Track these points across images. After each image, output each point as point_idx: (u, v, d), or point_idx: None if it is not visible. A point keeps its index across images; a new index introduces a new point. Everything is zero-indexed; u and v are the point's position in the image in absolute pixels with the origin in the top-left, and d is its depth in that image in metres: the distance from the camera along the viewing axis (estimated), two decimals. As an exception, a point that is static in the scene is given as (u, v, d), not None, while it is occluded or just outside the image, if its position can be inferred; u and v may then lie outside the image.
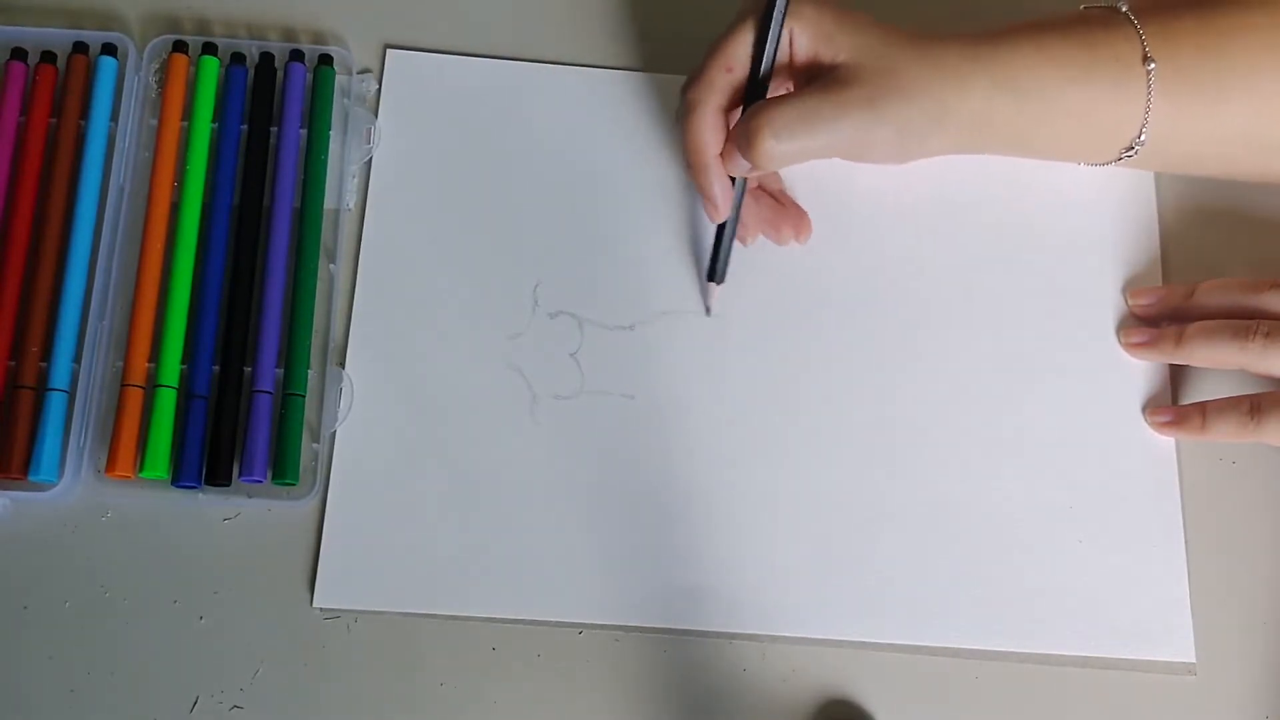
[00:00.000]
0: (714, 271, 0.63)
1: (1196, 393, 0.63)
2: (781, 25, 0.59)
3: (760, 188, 0.65)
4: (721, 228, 0.62)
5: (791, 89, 0.62)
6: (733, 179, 0.61)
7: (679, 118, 0.61)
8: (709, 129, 0.60)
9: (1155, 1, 0.60)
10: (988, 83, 0.58)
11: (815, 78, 0.60)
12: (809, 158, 0.59)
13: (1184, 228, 0.66)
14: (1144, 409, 0.62)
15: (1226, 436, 0.59)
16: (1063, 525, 0.60)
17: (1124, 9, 0.60)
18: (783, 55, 0.60)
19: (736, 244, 0.63)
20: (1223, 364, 0.60)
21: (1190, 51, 0.58)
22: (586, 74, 0.68)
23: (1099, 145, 0.61)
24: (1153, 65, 0.58)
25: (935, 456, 0.61)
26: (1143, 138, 0.60)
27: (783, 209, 0.64)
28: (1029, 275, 0.65)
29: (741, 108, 0.60)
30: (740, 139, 0.59)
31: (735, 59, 0.60)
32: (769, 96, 0.60)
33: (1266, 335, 0.58)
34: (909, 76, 0.58)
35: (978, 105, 0.58)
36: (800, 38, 0.59)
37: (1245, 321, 0.59)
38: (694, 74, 0.61)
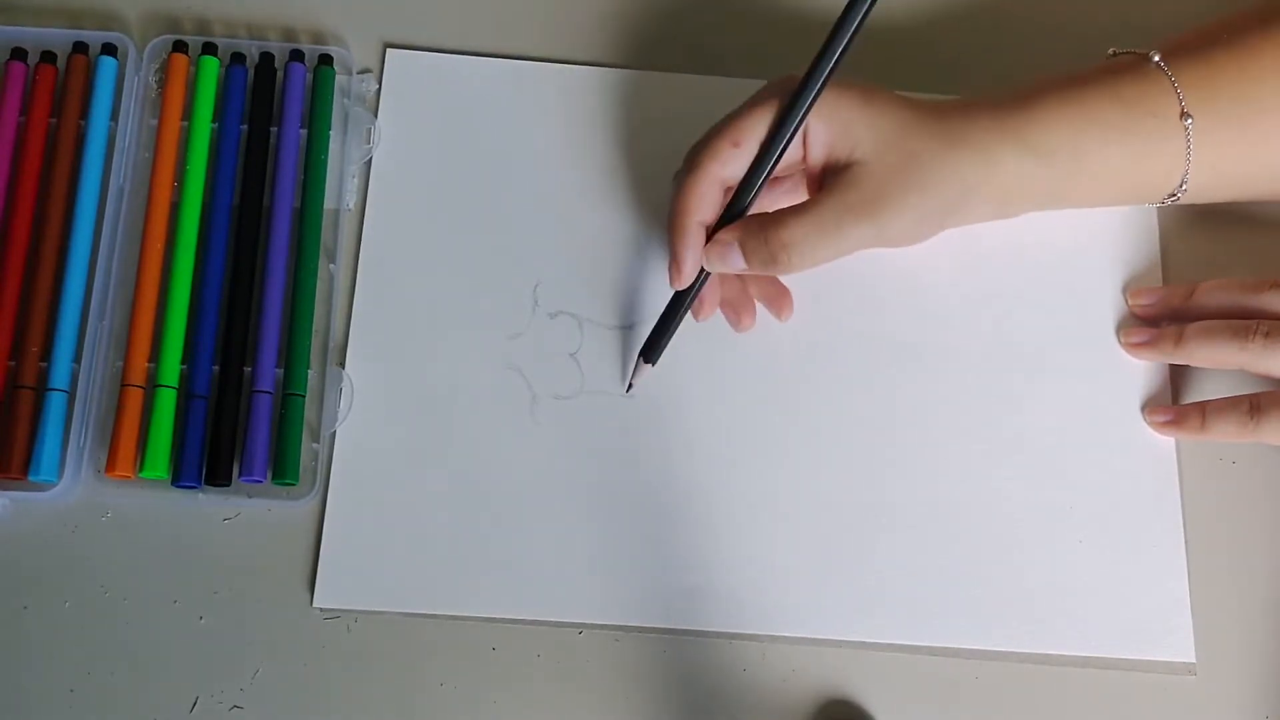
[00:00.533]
0: (652, 350, 0.61)
1: (1196, 393, 0.63)
2: (797, 132, 0.57)
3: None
4: (673, 307, 0.60)
5: (800, 182, 0.61)
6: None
7: (676, 176, 0.60)
8: (701, 196, 0.58)
9: (1184, 43, 0.60)
10: (1018, 149, 0.57)
11: (830, 172, 0.58)
12: (833, 260, 0.58)
13: (1184, 228, 0.66)
14: (1144, 409, 0.62)
15: (1226, 436, 0.59)
16: (1063, 525, 0.60)
17: (1156, 58, 0.59)
18: (797, 150, 0.59)
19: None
20: (1223, 364, 0.60)
21: (1227, 97, 0.58)
22: (587, 73, 0.68)
23: (1139, 196, 0.61)
24: (1190, 120, 0.57)
25: (936, 456, 0.61)
26: (1184, 187, 0.59)
27: (747, 297, 0.63)
28: (1029, 275, 0.65)
29: (726, 209, 0.59)
30: (759, 255, 0.57)
31: (745, 136, 0.58)
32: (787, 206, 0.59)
33: (1266, 335, 0.58)
34: (929, 165, 0.57)
35: (1007, 176, 0.58)
36: (816, 132, 0.58)
37: (1245, 321, 0.59)
38: (701, 139, 0.59)
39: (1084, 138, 0.58)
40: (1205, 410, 0.60)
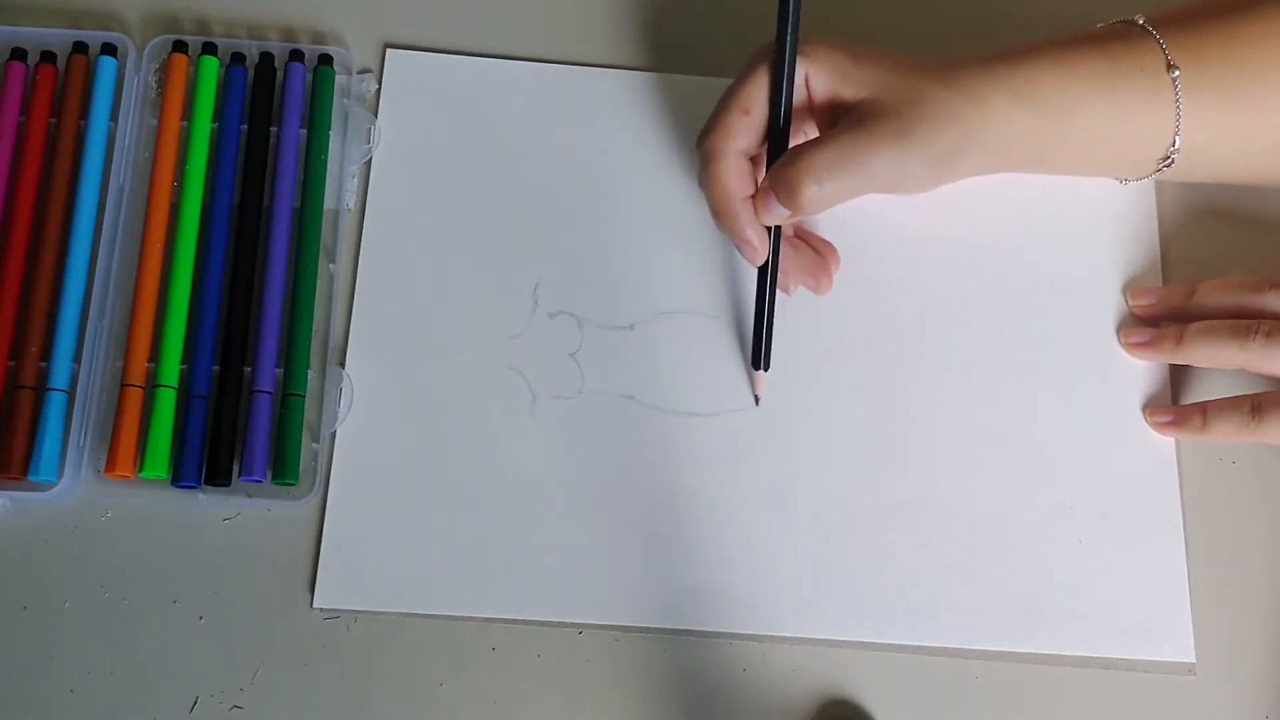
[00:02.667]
0: (759, 357, 0.61)
1: (1196, 393, 0.63)
2: (793, 69, 0.58)
3: (795, 233, 0.64)
4: (760, 293, 0.61)
5: (812, 130, 0.62)
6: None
7: (699, 168, 0.60)
8: (734, 175, 0.59)
9: (1173, 15, 0.60)
10: (1007, 100, 0.58)
11: (839, 117, 0.59)
12: (849, 198, 0.58)
13: (1184, 228, 0.66)
14: (1144, 409, 0.62)
15: (1227, 436, 0.59)
16: (1063, 525, 0.60)
17: (1141, 22, 0.59)
18: (802, 98, 0.60)
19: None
20: (1223, 364, 0.60)
21: (1215, 60, 0.58)
22: (586, 73, 0.68)
23: (1132, 157, 0.61)
24: (1178, 73, 0.58)
25: (936, 457, 0.61)
26: (1177, 146, 0.59)
27: (820, 257, 0.63)
28: (1029, 275, 0.65)
29: (766, 157, 0.60)
30: (780, 189, 0.57)
31: (752, 102, 0.59)
32: (799, 142, 0.60)
33: (1268, 335, 0.58)
34: (933, 103, 0.57)
35: (999, 125, 0.58)
36: (817, 79, 0.59)
37: (1246, 321, 0.59)
38: (710, 122, 0.60)
39: (1072, 88, 0.58)
40: (1206, 410, 0.60)
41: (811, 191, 0.57)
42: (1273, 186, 0.63)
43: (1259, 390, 0.60)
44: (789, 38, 0.58)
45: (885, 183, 0.59)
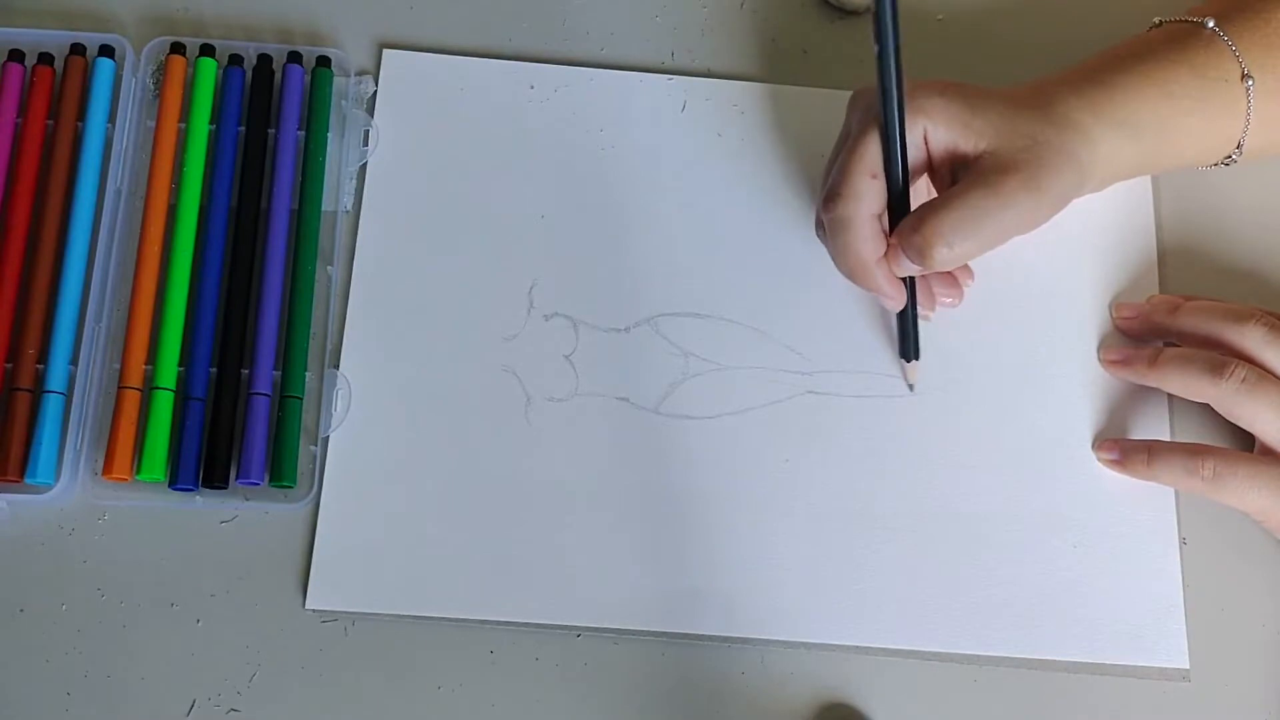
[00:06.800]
0: (908, 350, 0.62)
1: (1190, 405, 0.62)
2: (904, 134, 0.57)
3: None
4: (902, 313, 0.61)
5: (925, 184, 0.61)
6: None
7: (828, 232, 0.59)
8: (867, 241, 0.58)
9: (1235, 3, 0.61)
10: (1109, 130, 0.58)
11: (960, 168, 0.58)
12: (980, 253, 0.58)
13: (1183, 230, 0.66)
14: (1093, 445, 0.62)
15: (1176, 486, 0.60)
16: (1057, 530, 0.60)
17: (1211, 24, 0.60)
18: (921, 157, 0.59)
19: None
20: (1194, 395, 0.59)
21: None
22: (583, 74, 0.68)
23: (1208, 158, 0.62)
24: (1251, 82, 0.59)
25: (932, 461, 0.61)
26: (1241, 149, 0.61)
27: (951, 277, 0.63)
28: (1026, 280, 0.65)
29: (888, 219, 0.59)
30: (911, 252, 0.57)
31: (879, 164, 0.57)
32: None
33: (1243, 380, 0.57)
34: (1050, 147, 0.57)
35: (1105, 154, 0.58)
36: (935, 134, 0.58)
37: (1224, 359, 0.58)
38: (838, 187, 0.58)
39: (1167, 110, 0.59)
40: (1152, 451, 0.60)
41: (942, 254, 0.56)
42: None
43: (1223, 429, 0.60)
44: (895, 106, 0.56)
45: (1015, 232, 0.58)
